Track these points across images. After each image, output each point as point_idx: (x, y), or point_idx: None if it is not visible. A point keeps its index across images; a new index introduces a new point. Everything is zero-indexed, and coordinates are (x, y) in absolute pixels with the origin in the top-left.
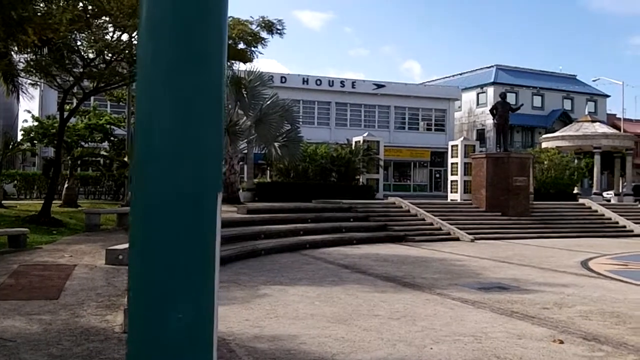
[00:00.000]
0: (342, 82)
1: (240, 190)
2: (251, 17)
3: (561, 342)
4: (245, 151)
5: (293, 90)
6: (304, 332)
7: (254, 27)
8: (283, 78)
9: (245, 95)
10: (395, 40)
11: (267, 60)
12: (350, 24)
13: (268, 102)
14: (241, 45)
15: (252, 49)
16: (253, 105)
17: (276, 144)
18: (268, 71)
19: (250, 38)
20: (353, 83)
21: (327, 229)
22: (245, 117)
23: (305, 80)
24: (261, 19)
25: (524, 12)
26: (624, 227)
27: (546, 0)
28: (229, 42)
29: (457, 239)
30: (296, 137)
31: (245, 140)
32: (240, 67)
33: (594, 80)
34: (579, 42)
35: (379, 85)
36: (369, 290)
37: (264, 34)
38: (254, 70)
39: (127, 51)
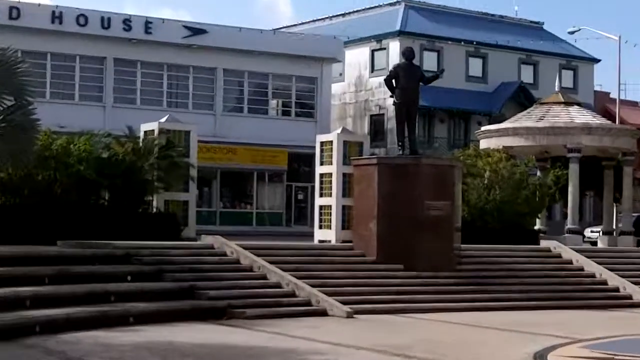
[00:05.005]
0: (128, 23)
1: None
2: None
3: None
4: None
5: (34, 33)
6: None
7: None
8: (15, 10)
9: None
10: None
11: None
12: None
13: None
14: None
15: None
16: None
17: None
18: None
19: None
20: (148, 24)
21: (80, 296)
22: None
23: (57, 17)
24: None
25: None
26: (617, 289)
27: None
28: None
29: (324, 313)
30: (26, 121)
31: None
32: None
33: (571, 33)
34: None
35: (196, 31)
36: None
37: None
38: None
39: None
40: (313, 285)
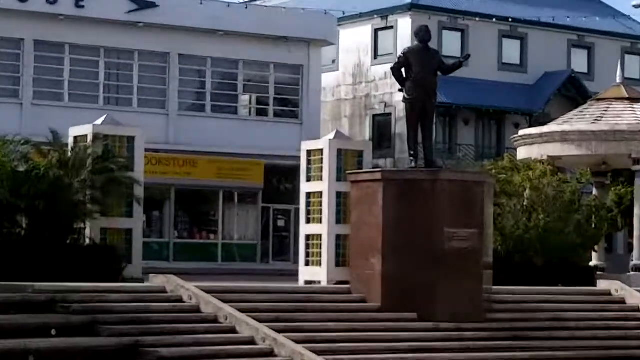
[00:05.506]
0: None
1: None
2: None
3: None
4: None
5: None
6: None
7: None
8: None
9: None
10: None
11: None
12: None
13: None
14: None
15: None
16: None
17: None
18: None
19: None
20: None
21: None
22: None
23: None
24: None
25: None
26: None
27: None
28: None
29: None
30: None
31: None
32: None
33: (636, 7)
34: None
35: (144, 4)
36: None
37: None
38: None
39: None
40: (298, 341)
